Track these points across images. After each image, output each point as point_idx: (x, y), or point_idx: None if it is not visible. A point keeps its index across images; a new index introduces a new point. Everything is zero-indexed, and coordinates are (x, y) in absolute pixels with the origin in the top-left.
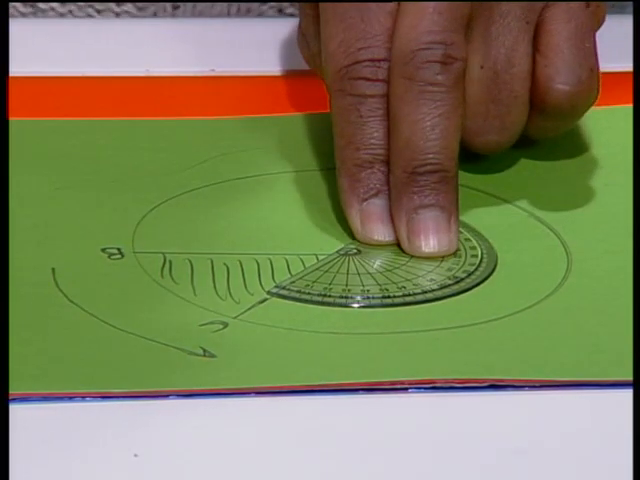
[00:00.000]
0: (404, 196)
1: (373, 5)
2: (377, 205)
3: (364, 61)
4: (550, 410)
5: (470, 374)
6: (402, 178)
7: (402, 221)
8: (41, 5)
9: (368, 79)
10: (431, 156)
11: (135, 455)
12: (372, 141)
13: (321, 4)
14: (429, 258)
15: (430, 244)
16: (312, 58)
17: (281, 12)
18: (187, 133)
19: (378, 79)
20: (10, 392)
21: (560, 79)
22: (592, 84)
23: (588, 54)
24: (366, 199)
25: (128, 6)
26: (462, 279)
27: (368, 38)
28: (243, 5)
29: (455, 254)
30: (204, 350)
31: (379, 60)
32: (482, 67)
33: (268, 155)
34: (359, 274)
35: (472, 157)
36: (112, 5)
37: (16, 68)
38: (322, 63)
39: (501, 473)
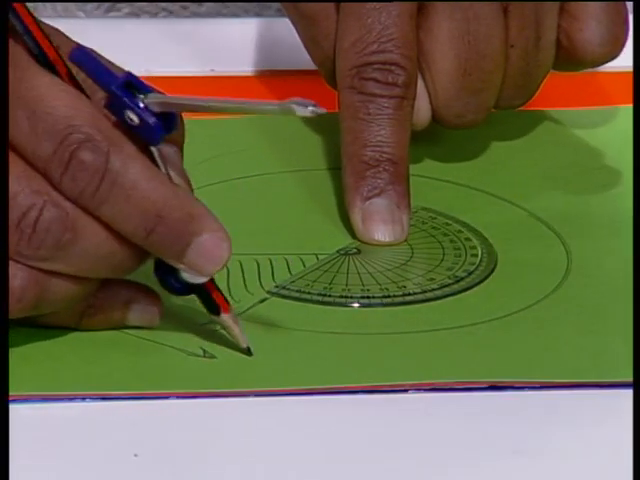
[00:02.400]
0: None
1: (393, 7)
2: (379, 205)
3: (376, 63)
4: (550, 410)
5: (470, 375)
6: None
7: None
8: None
9: (378, 81)
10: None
11: (135, 455)
12: (379, 139)
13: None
14: (429, 258)
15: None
16: (322, 59)
17: (279, 11)
18: (187, 133)
19: (388, 82)
20: (10, 392)
21: (598, 40)
22: (625, 36)
23: (619, 8)
24: (369, 198)
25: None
26: (462, 278)
27: (383, 42)
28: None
29: (455, 253)
30: (204, 350)
31: (391, 64)
32: (512, 47)
33: (268, 155)
34: (359, 274)
35: (472, 157)
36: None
37: None
38: (335, 57)
39: (501, 473)
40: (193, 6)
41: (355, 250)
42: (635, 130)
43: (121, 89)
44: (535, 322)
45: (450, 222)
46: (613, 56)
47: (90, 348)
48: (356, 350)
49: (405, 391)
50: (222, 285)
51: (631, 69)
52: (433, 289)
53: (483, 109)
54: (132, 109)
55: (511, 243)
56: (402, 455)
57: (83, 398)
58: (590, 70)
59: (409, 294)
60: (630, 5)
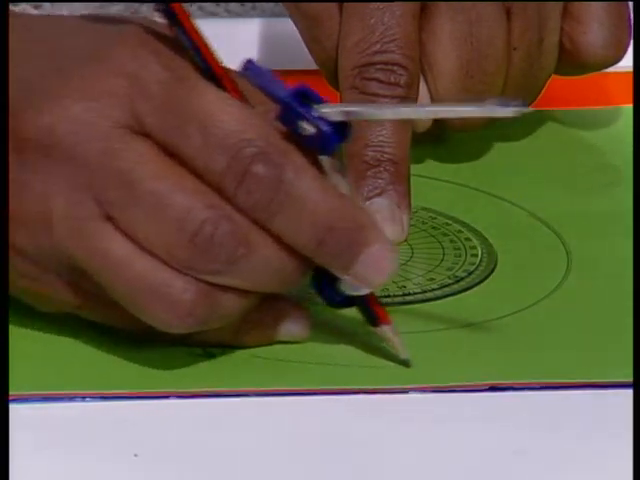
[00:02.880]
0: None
1: (396, 7)
2: (380, 205)
3: (378, 63)
4: (550, 410)
5: (470, 375)
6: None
7: None
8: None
9: (381, 81)
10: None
11: (135, 455)
12: (380, 139)
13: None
14: (429, 258)
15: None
16: (324, 59)
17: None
18: None
19: (390, 82)
20: (10, 392)
21: (601, 43)
22: (628, 39)
23: (622, 10)
24: (369, 198)
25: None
26: (462, 278)
27: (385, 42)
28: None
29: (455, 253)
30: (204, 350)
31: (393, 64)
32: (515, 49)
33: None
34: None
35: (472, 157)
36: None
37: None
38: (337, 60)
39: (501, 473)
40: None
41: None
42: (635, 130)
43: (295, 99)
44: (535, 322)
45: (450, 222)
46: (616, 59)
47: (90, 348)
48: (356, 351)
49: (405, 392)
50: None
51: (631, 69)
52: (433, 289)
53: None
54: (307, 119)
55: (511, 243)
56: (402, 455)
57: (83, 398)
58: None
59: (409, 294)
60: (630, 5)
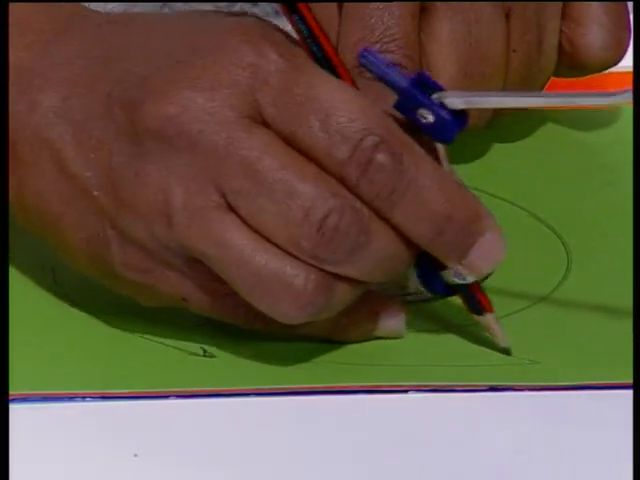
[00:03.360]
0: None
1: (395, 8)
2: None
3: None
4: (550, 410)
5: (470, 375)
6: None
7: None
8: None
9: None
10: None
11: (135, 455)
12: None
13: None
14: None
15: None
16: None
17: (279, 13)
18: None
19: None
20: (10, 392)
21: (601, 45)
22: (628, 40)
23: (621, 12)
24: None
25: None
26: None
27: (385, 42)
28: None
29: None
30: (204, 350)
31: (394, 65)
32: (514, 51)
33: None
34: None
35: (472, 157)
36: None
37: None
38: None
39: (501, 473)
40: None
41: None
42: (635, 130)
43: (415, 86)
44: (535, 322)
45: None
46: (616, 61)
47: (90, 348)
48: (357, 350)
49: (405, 391)
50: None
51: (631, 69)
52: None
53: (485, 112)
54: (427, 106)
55: (511, 243)
56: (402, 455)
57: (83, 398)
58: None
59: (409, 294)
60: (630, 5)
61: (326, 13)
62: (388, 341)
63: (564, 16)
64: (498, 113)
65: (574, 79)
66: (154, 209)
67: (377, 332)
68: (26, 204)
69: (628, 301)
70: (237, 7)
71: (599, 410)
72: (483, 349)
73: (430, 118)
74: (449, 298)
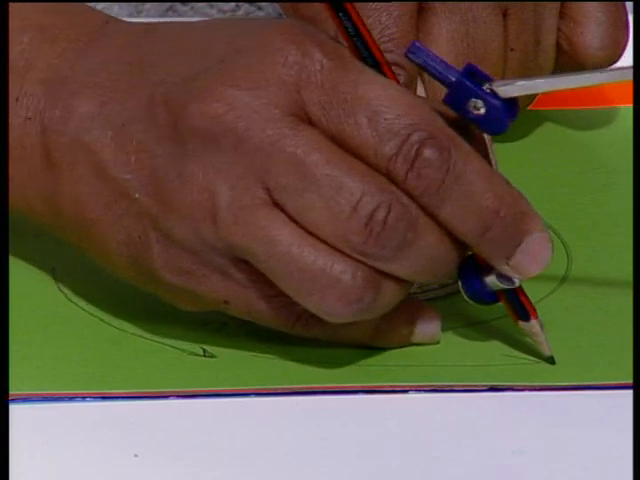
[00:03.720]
0: None
1: (393, 7)
2: None
3: None
4: (550, 410)
5: (470, 376)
6: None
7: None
8: None
9: None
10: None
11: (135, 455)
12: None
13: None
14: None
15: None
16: None
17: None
18: None
19: None
20: (10, 392)
21: (598, 44)
22: (626, 39)
23: (618, 10)
24: None
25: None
26: None
27: (383, 42)
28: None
29: None
30: (204, 350)
31: (391, 64)
32: (512, 50)
33: None
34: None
35: None
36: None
37: None
38: None
39: (501, 473)
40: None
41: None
42: (635, 130)
43: (466, 77)
44: None
45: None
46: (613, 60)
47: (90, 348)
48: (356, 351)
49: (405, 391)
50: None
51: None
52: (433, 289)
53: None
54: (479, 96)
55: None
56: (402, 455)
57: (83, 398)
58: None
59: (409, 294)
60: (630, 5)
61: (324, 14)
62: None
63: (562, 15)
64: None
65: None
66: (199, 208)
67: (414, 338)
68: (62, 210)
69: (628, 301)
70: (241, 12)
71: (599, 410)
72: (483, 349)
73: (482, 109)
74: (448, 299)
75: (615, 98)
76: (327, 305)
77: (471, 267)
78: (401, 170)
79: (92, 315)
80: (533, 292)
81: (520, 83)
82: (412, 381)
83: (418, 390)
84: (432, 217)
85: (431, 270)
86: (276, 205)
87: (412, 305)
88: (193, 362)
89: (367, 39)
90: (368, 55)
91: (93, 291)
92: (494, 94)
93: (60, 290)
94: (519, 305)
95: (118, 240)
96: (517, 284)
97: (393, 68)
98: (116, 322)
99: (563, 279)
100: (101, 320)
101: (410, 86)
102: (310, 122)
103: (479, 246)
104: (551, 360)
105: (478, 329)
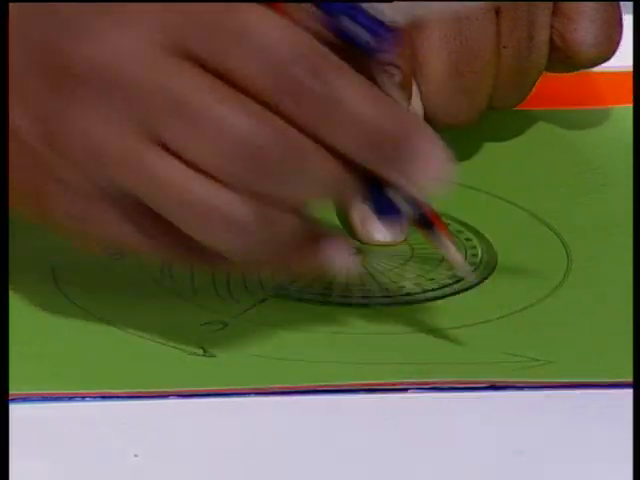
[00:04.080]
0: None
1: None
2: None
3: None
4: (550, 410)
5: (470, 375)
6: None
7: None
8: None
9: None
10: None
11: (135, 455)
12: None
13: None
14: (429, 258)
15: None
16: None
17: None
18: None
19: None
20: (10, 392)
21: (591, 40)
22: (619, 36)
23: (612, 7)
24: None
25: None
26: (462, 278)
27: None
28: None
29: None
30: (204, 350)
31: (385, 64)
32: (505, 47)
33: None
34: (359, 274)
35: (472, 157)
36: None
37: None
38: None
39: (501, 473)
40: None
41: (355, 250)
42: (635, 130)
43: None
44: (535, 322)
45: (450, 222)
46: (607, 57)
47: (90, 348)
48: (356, 350)
49: (405, 390)
50: (222, 285)
51: (630, 69)
52: (433, 289)
53: (476, 109)
54: (352, 17)
55: (511, 243)
56: (402, 454)
57: (83, 398)
58: (589, 70)
59: (409, 294)
60: (630, 5)
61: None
62: (388, 340)
63: (555, 12)
64: (490, 108)
65: (574, 77)
66: (87, 153)
67: (324, 267)
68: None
69: (628, 301)
70: None
71: (599, 409)
72: (483, 348)
73: (362, 35)
74: (449, 299)
75: (616, 98)
76: (221, 241)
77: (374, 184)
78: (285, 101)
79: (92, 315)
80: (533, 292)
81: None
82: (411, 379)
83: (418, 388)
84: (321, 142)
85: (326, 192)
86: (163, 146)
87: (321, 235)
88: (193, 362)
89: None
90: None
91: (93, 291)
92: (374, 17)
93: (60, 290)
94: (421, 214)
95: (27, 190)
96: (418, 196)
97: (388, 68)
98: (116, 322)
99: (563, 279)
100: (101, 320)
101: (406, 85)
102: (196, 60)
103: (372, 165)
104: (470, 276)
105: (478, 329)
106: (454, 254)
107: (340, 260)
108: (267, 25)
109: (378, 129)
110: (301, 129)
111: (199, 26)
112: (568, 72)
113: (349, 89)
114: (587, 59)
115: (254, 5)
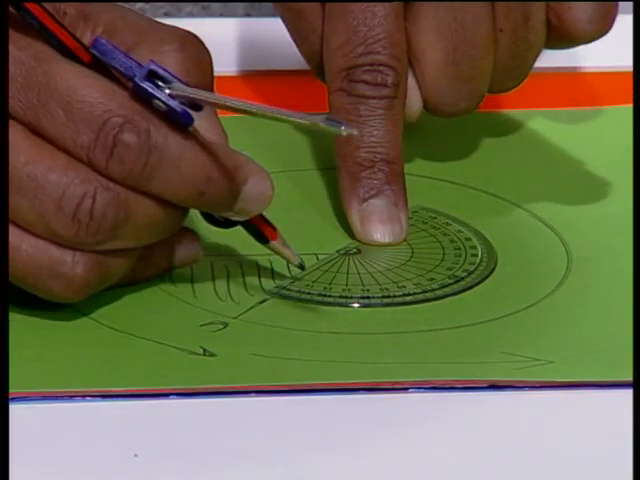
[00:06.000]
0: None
1: (377, 8)
2: (377, 206)
3: (364, 65)
4: (550, 410)
5: (470, 375)
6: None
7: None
8: None
9: (368, 82)
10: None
11: (135, 455)
12: (372, 139)
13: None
14: (429, 258)
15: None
16: (310, 52)
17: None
18: None
19: (378, 83)
20: (10, 392)
21: (588, 17)
22: (615, 12)
23: None
24: (366, 199)
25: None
26: (462, 278)
27: (369, 43)
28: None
29: (455, 253)
30: (204, 350)
31: (379, 65)
32: (501, 30)
33: (267, 154)
34: (359, 274)
35: (473, 157)
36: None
37: None
38: (323, 57)
39: (501, 473)
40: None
41: (355, 250)
42: (635, 130)
43: (145, 80)
44: (535, 322)
45: (450, 222)
46: (603, 32)
47: (90, 348)
48: (356, 350)
49: (405, 389)
50: (222, 287)
51: (629, 69)
52: (433, 289)
53: (475, 96)
54: (158, 98)
55: (511, 243)
56: (402, 454)
57: (83, 397)
58: (589, 70)
59: (409, 294)
60: (630, 5)
61: (310, 7)
62: (388, 340)
63: None
64: (490, 92)
65: (574, 78)
66: None
67: (176, 264)
68: None
69: (628, 301)
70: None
71: (599, 409)
72: (483, 347)
73: (163, 107)
74: (448, 300)
75: (615, 98)
76: (57, 295)
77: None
78: (101, 159)
79: (92, 315)
80: (533, 292)
81: (192, 90)
82: (411, 378)
83: (418, 388)
84: (143, 193)
85: (155, 234)
86: None
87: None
88: (193, 361)
89: (53, 29)
90: (58, 45)
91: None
92: (172, 96)
93: None
94: (256, 231)
95: None
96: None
97: (382, 69)
98: (116, 322)
99: (563, 279)
100: (101, 320)
101: (400, 85)
102: (12, 117)
103: (200, 208)
104: (302, 266)
105: (478, 328)
106: (291, 256)
107: (188, 253)
108: (80, 80)
109: (205, 179)
110: (123, 183)
111: (13, 82)
112: (566, 48)
113: (170, 142)
114: (584, 36)
115: (64, 61)
